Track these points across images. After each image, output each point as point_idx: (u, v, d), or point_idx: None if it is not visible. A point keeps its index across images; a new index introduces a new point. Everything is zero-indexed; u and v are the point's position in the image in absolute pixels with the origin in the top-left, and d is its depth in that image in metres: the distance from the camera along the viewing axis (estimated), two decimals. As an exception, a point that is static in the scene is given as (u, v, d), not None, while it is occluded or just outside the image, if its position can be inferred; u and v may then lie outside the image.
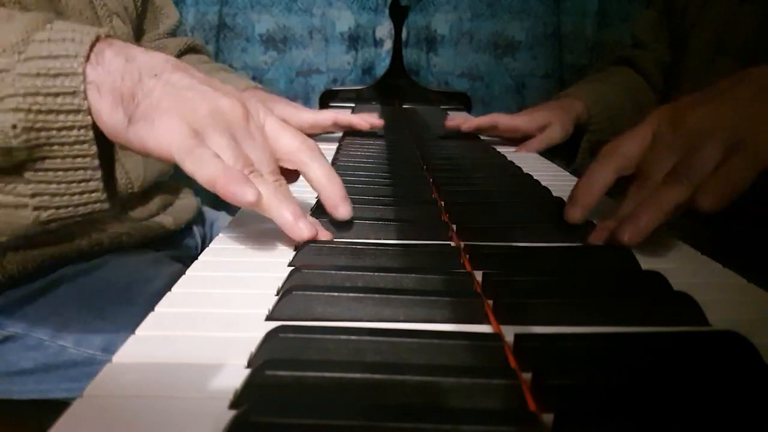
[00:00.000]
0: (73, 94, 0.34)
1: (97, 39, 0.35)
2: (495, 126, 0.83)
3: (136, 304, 0.56)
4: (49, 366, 0.54)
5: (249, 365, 0.25)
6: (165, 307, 0.30)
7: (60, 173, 0.35)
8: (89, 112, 0.35)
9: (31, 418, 0.54)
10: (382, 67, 1.56)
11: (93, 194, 0.37)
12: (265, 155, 0.38)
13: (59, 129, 0.34)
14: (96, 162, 0.36)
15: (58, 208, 0.36)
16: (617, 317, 0.29)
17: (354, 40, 1.59)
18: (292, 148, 0.40)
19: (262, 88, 0.84)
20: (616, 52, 1.02)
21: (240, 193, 0.34)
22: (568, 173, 0.69)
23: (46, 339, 0.54)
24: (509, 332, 0.27)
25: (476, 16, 1.59)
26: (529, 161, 0.75)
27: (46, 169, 0.35)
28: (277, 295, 0.32)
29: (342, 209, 0.40)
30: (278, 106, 0.78)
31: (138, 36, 0.81)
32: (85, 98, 0.34)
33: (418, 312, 0.29)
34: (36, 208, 0.36)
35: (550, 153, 0.81)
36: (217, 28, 1.60)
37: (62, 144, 0.35)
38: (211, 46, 1.53)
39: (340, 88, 1.54)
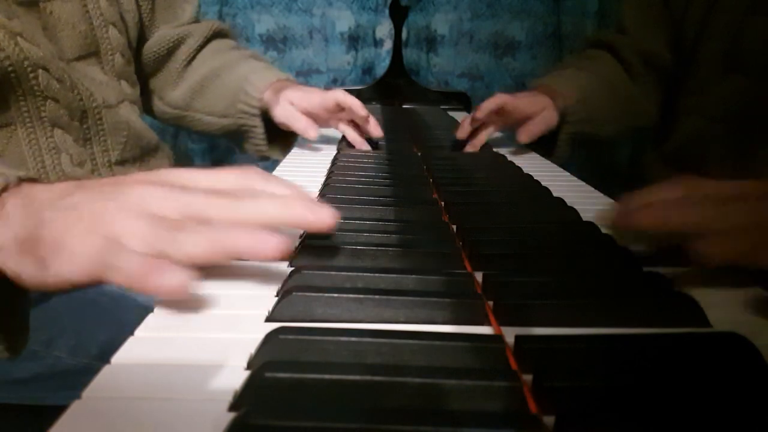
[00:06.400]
0: None
1: (5, 189, 0.32)
2: (502, 106, 0.76)
3: (131, 309, 0.55)
4: (45, 376, 0.53)
5: (249, 367, 0.25)
6: (164, 308, 0.30)
7: None
8: None
9: (30, 422, 0.54)
10: (382, 67, 1.56)
11: None
12: (214, 181, 0.33)
13: None
14: None
15: None
16: (618, 318, 0.29)
17: (354, 40, 1.59)
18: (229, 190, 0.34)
19: (293, 79, 0.83)
20: (595, 34, 0.97)
21: (160, 283, 0.28)
22: (567, 173, 0.69)
23: (40, 350, 0.53)
24: (510, 333, 0.26)
25: (476, 16, 1.59)
26: (529, 161, 0.75)
27: None
28: (277, 296, 0.32)
29: (324, 216, 0.32)
30: (289, 91, 0.78)
31: (149, 35, 0.80)
32: None
33: (419, 313, 0.29)
34: None
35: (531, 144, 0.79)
36: (216, 28, 1.59)
37: None
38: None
39: (340, 88, 1.53)
